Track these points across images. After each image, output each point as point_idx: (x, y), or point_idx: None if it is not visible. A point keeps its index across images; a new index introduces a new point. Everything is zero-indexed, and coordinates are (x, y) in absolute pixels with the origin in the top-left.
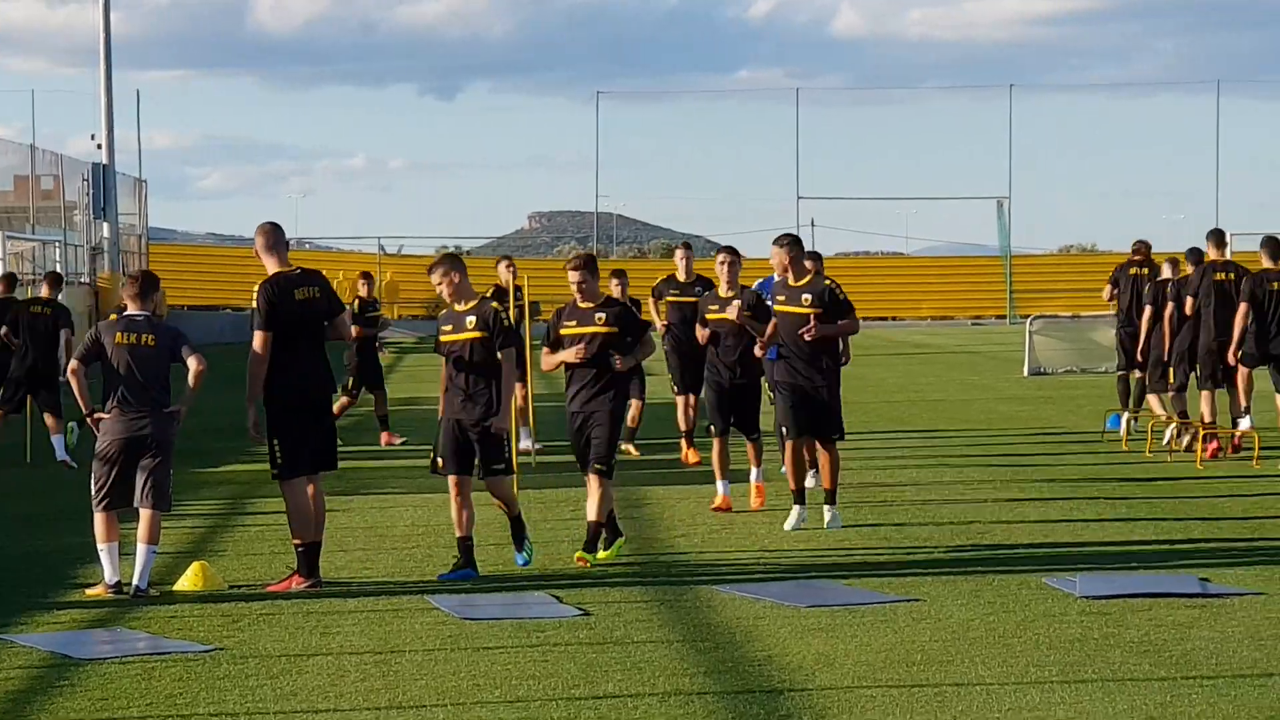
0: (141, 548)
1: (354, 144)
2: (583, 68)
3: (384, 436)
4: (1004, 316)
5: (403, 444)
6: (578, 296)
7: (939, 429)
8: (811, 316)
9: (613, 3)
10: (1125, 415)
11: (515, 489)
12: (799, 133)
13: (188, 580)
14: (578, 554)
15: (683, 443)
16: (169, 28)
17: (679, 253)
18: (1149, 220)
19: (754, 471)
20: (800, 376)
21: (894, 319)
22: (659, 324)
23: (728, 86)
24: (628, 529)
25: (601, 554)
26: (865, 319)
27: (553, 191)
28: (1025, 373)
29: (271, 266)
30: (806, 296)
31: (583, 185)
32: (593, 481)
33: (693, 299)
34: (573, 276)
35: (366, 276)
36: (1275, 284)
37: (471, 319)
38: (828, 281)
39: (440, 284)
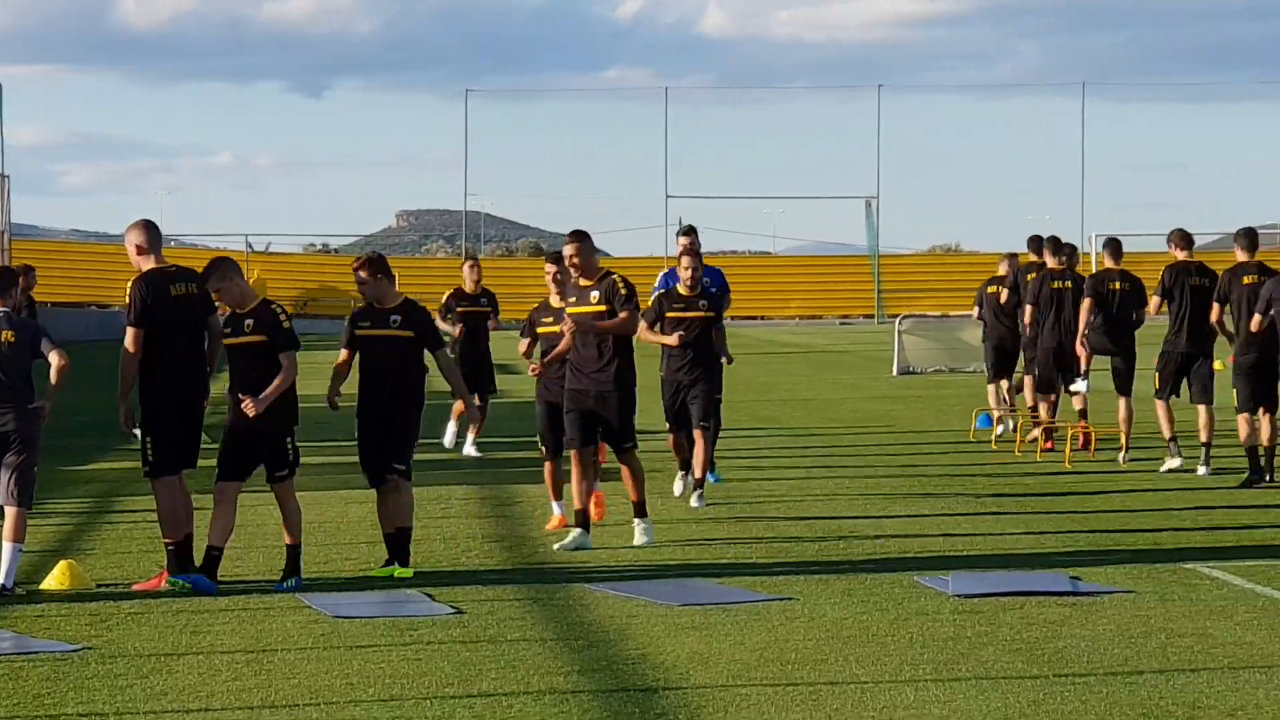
0: (7, 546)
1: (220, 141)
2: (451, 66)
3: None
4: (872, 316)
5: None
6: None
7: (809, 428)
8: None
9: (481, 0)
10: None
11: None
12: (668, 132)
13: (54, 579)
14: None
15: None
16: (32, 23)
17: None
18: (1014, 220)
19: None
20: (586, 381)
21: (762, 318)
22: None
23: (597, 85)
24: (499, 528)
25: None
26: (733, 318)
27: (421, 190)
28: (894, 372)
29: (147, 263)
30: (595, 294)
31: (451, 184)
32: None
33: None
34: (566, 258)
35: (474, 265)
36: (1116, 283)
37: (395, 319)
38: (614, 277)
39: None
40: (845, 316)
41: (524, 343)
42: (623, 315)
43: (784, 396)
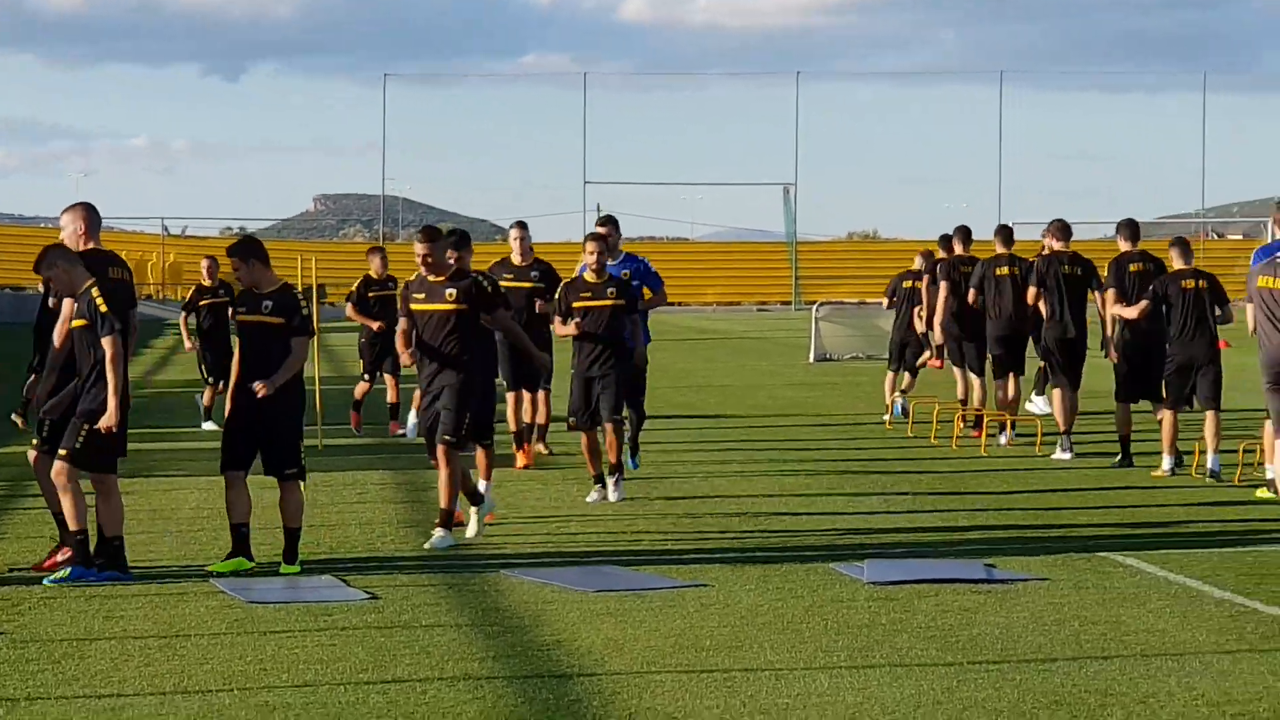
0: None
1: (136, 124)
2: (369, 50)
3: (392, 426)
4: (790, 303)
5: (401, 435)
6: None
7: (725, 414)
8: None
9: None
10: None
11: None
12: (586, 118)
13: None
14: None
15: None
16: None
17: (514, 233)
18: (932, 208)
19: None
20: (435, 383)
21: (680, 305)
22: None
23: (515, 71)
24: (416, 514)
25: None
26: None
27: (339, 174)
28: (811, 359)
29: (84, 245)
30: (451, 291)
31: (369, 168)
32: None
33: (529, 284)
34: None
35: (378, 252)
36: (1066, 267)
37: (267, 304)
38: (477, 274)
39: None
40: (763, 303)
41: (402, 324)
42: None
43: (701, 383)
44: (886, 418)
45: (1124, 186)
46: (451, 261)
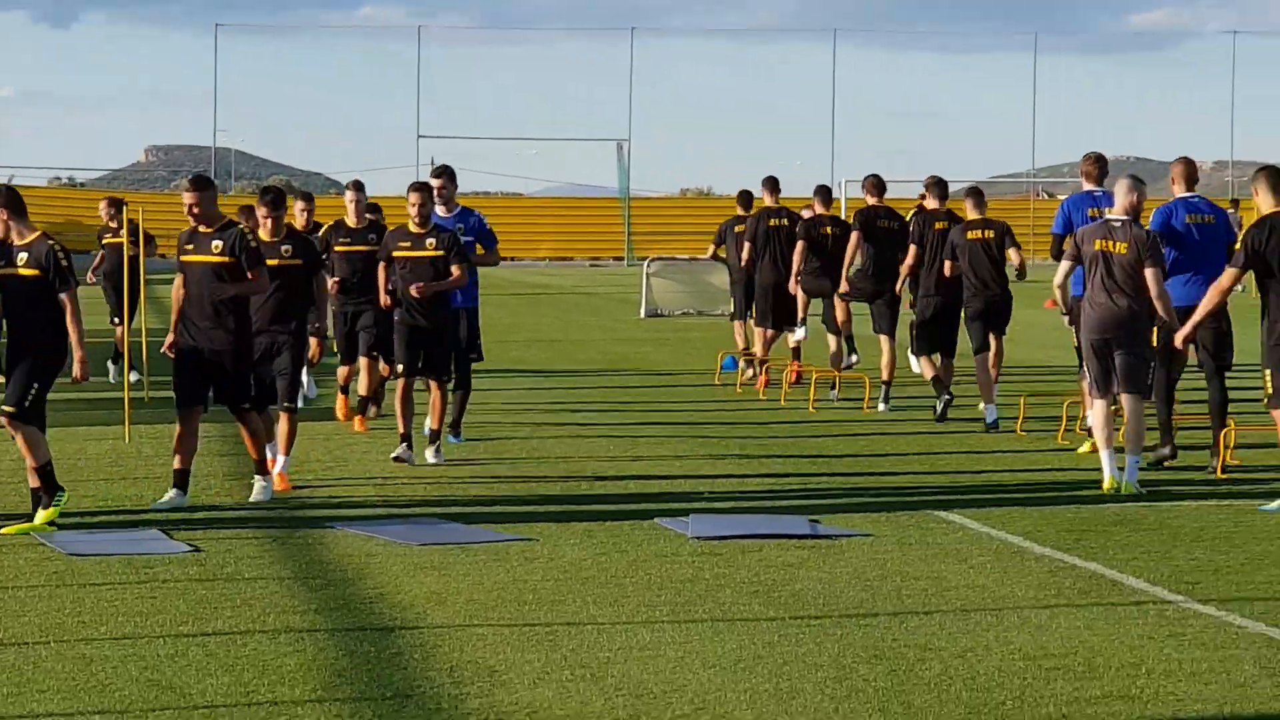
0: None
1: None
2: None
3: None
4: (622, 258)
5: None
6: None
7: (554, 370)
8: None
9: None
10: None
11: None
12: (420, 72)
13: None
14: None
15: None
16: None
17: (349, 194)
18: (767, 165)
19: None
20: (202, 338)
21: (513, 259)
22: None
23: (350, 23)
24: (239, 466)
25: None
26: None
27: (170, 125)
28: (642, 314)
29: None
30: (217, 244)
31: (201, 120)
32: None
33: (365, 247)
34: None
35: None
36: (884, 222)
37: (22, 256)
38: (240, 225)
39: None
40: (596, 258)
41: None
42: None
43: (531, 337)
44: (750, 372)
45: (957, 146)
46: (266, 219)
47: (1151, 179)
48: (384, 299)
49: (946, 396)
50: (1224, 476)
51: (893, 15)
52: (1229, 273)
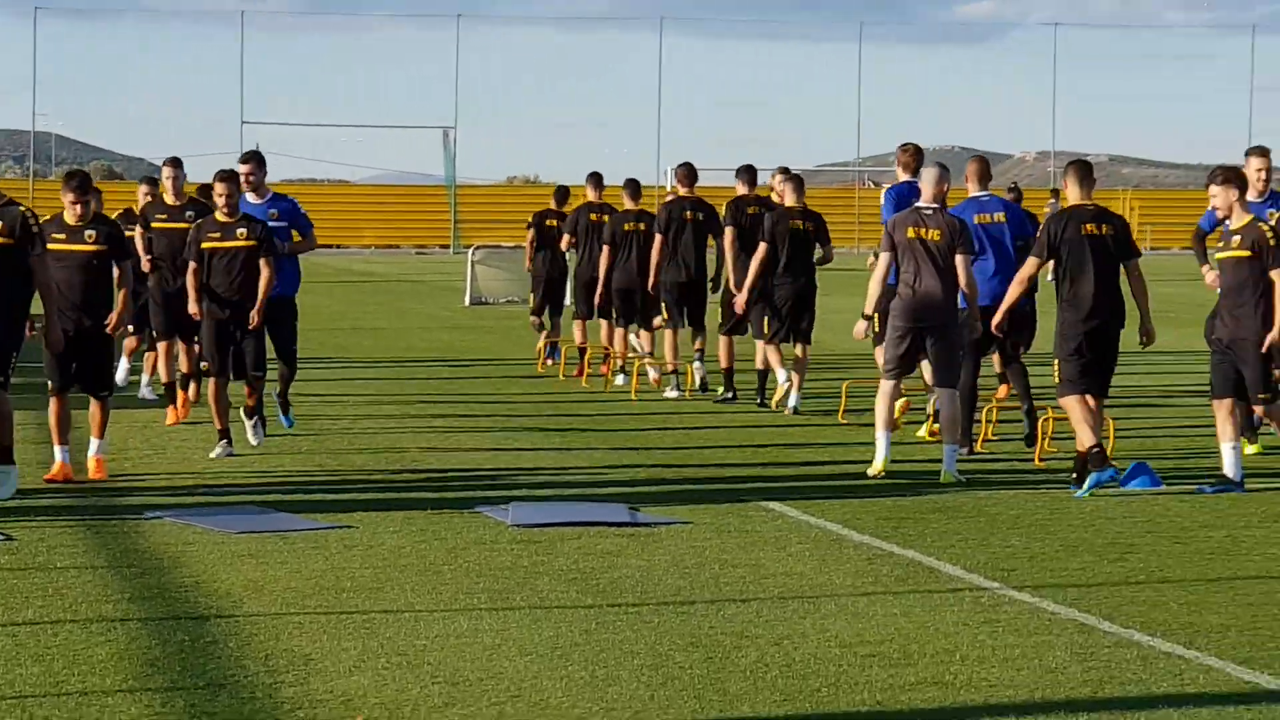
0: None
1: None
2: None
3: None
4: (448, 246)
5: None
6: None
7: (378, 358)
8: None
9: None
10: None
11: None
12: (244, 57)
13: None
14: None
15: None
16: None
17: (166, 171)
18: (593, 153)
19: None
20: (70, 322)
21: (338, 247)
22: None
23: (173, 7)
24: (50, 454)
25: None
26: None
27: None
28: (467, 302)
29: None
30: (91, 234)
31: (20, 104)
32: None
33: (184, 224)
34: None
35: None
36: (689, 212)
37: None
38: (21, 207)
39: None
40: (422, 246)
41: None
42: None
43: (355, 325)
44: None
45: (784, 134)
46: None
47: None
48: (145, 263)
49: (788, 384)
50: (1041, 465)
51: (720, 4)
52: (1030, 262)
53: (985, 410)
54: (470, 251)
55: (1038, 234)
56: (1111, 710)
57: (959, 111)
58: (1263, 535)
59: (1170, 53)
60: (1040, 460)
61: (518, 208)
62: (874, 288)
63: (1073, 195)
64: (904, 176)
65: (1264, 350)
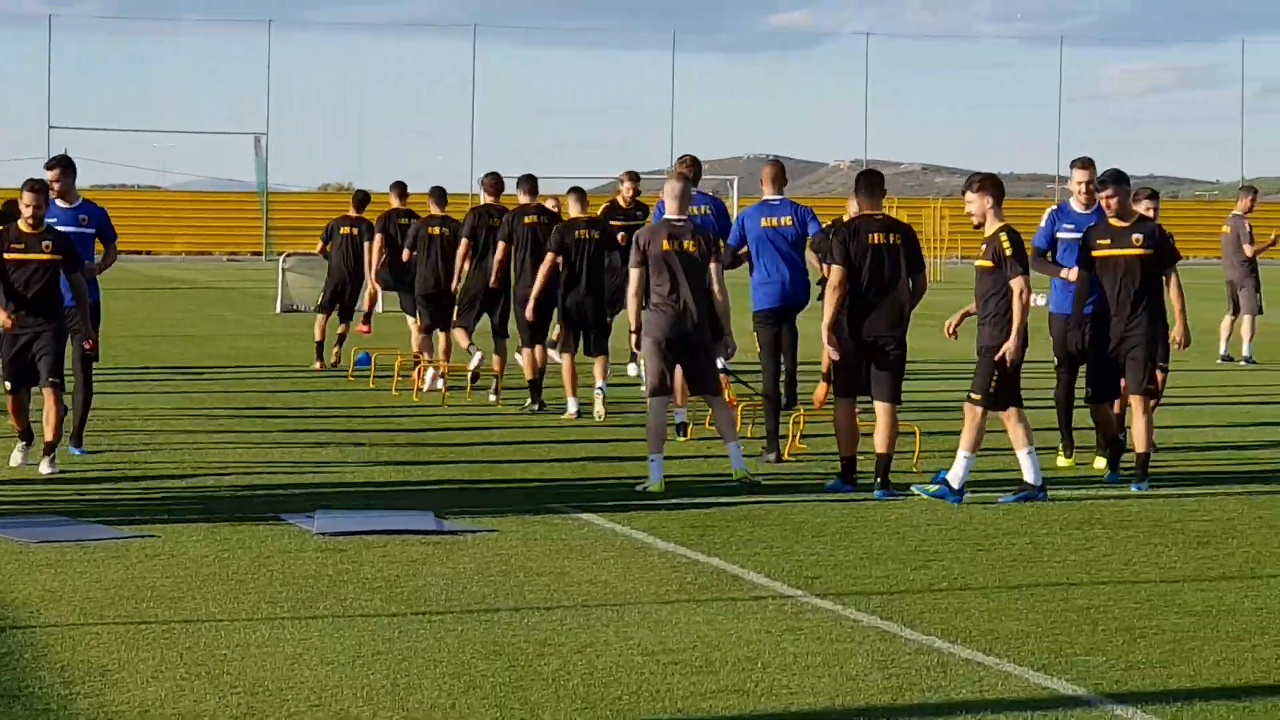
0: None
1: None
2: None
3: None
4: (260, 253)
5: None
6: None
7: (187, 365)
8: None
9: None
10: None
11: None
12: (51, 61)
13: None
14: None
15: None
16: None
17: None
18: (408, 160)
19: None
20: None
21: (149, 253)
22: None
23: None
24: None
25: None
26: (121, 253)
27: None
28: (278, 309)
29: None
30: None
31: None
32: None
33: None
34: None
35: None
36: (583, 232)
37: None
38: None
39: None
40: (233, 253)
41: None
42: None
43: (164, 332)
44: (316, 365)
45: (601, 143)
46: None
47: (793, 177)
48: None
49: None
50: (789, 459)
51: (535, 12)
52: (835, 270)
53: (793, 418)
54: (281, 259)
55: (832, 242)
56: (910, 717)
57: (774, 120)
58: (1063, 542)
59: (982, 63)
60: (789, 455)
61: (331, 215)
62: (633, 304)
63: (863, 205)
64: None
65: (997, 359)
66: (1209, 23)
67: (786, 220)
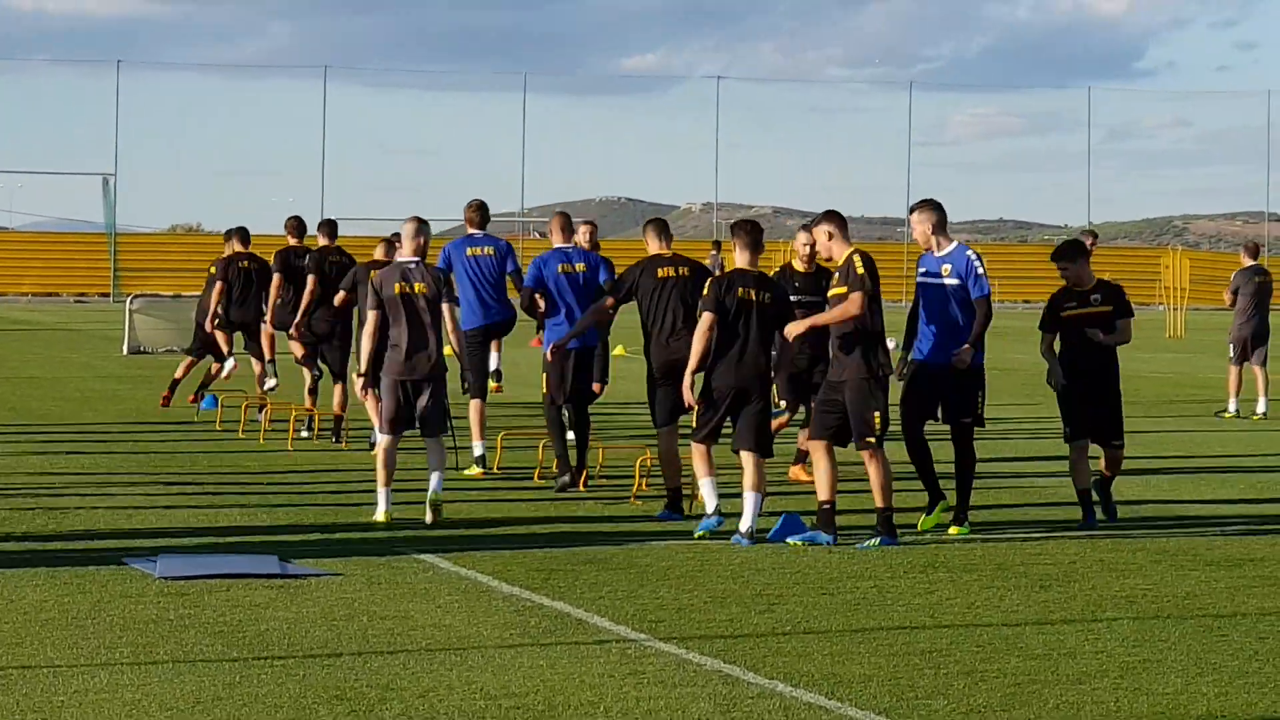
0: None
1: None
2: None
3: None
4: (108, 294)
5: None
6: None
7: (32, 408)
8: None
9: None
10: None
11: None
12: None
13: None
14: None
15: None
16: None
17: None
18: (257, 201)
19: None
20: None
21: None
22: None
23: None
24: None
25: None
26: None
27: None
28: (125, 351)
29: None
30: None
31: None
32: None
33: None
34: None
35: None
36: (335, 259)
37: None
38: None
39: None
40: (81, 294)
41: None
42: None
43: (8, 375)
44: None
45: (453, 183)
46: None
47: (636, 221)
48: None
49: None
50: (635, 503)
51: (386, 53)
52: (705, 316)
53: (639, 461)
54: (129, 300)
55: (704, 291)
56: None
57: (625, 163)
58: (907, 585)
59: (832, 107)
60: (635, 499)
61: (179, 256)
62: (367, 344)
63: (740, 260)
64: (470, 230)
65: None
66: (1055, 70)
67: (580, 266)
